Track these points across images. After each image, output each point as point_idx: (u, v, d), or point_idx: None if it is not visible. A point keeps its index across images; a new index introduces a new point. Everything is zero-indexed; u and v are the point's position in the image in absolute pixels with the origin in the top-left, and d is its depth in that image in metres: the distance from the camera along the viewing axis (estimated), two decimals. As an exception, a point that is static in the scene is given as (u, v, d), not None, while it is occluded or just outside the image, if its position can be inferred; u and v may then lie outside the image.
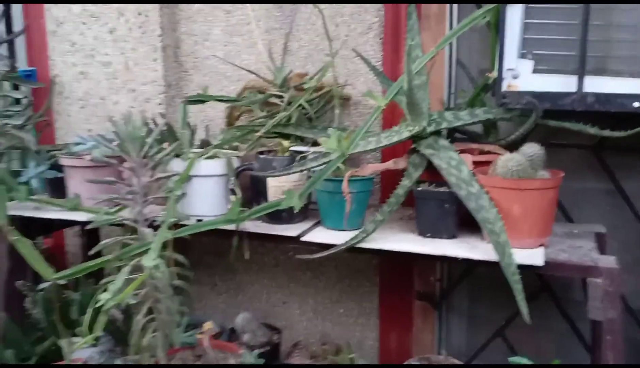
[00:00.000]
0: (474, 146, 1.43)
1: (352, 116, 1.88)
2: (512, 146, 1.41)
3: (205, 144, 1.69)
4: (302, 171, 1.37)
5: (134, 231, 1.50)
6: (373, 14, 1.80)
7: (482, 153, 1.44)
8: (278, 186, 1.46)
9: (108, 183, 1.38)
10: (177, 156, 1.46)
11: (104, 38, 1.98)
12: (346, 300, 2.00)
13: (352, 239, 1.33)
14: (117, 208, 1.49)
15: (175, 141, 1.67)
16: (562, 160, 1.54)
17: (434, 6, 1.75)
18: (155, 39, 1.94)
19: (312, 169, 1.36)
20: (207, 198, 1.49)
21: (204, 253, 2.12)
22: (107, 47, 1.99)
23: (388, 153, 1.67)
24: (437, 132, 1.41)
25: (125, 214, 1.46)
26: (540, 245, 1.29)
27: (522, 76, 1.31)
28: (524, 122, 1.37)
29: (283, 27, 1.90)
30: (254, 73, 1.70)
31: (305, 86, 1.54)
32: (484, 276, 1.79)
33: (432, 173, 1.40)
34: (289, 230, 1.46)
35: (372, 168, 1.41)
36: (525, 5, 1.27)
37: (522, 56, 1.31)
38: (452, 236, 1.35)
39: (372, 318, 1.98)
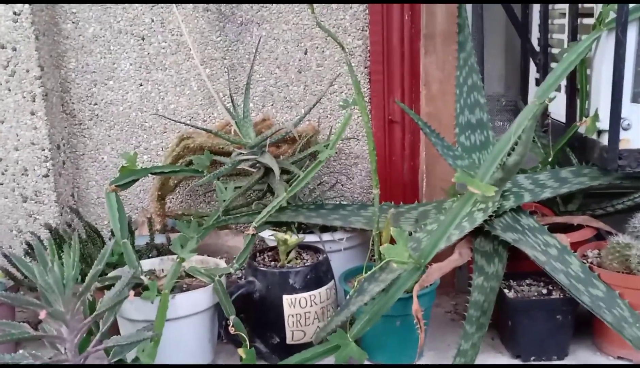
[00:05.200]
0: (559, 219, 1.05)
1: (331, 168, 1.42)
2: (607, 217, 1.06)
3: (152, 249, 1.12)
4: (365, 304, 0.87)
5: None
6: (355, 35, 1.35)
7: (565, 226, 1.06)
8: (299, 314, 0.96)
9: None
10: (138, 293, 0.89)
11: (-55, 86, 1.28)
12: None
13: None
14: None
15: (97, 253, 1.07)
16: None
17: (440, 22, 1.34)
18: (31, 82, 1.29)
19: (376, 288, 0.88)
20: (185, 349, 0.93)
21: None
22: (-48, 99, 1.29)
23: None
24: (514, 209, 1.00)
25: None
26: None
27: (634, 127, 0.95)
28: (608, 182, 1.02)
29: (227, 56, 1.36)
30: (208, 130, 1.16)
31: (321, 157, 1.03)
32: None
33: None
34: (323, 378, 0.96)
35: (438, 270, 0.96)
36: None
37: (634, 99, 0.95)
38: (565, 355, 0.97)
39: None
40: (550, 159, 1.06)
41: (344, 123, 1.03)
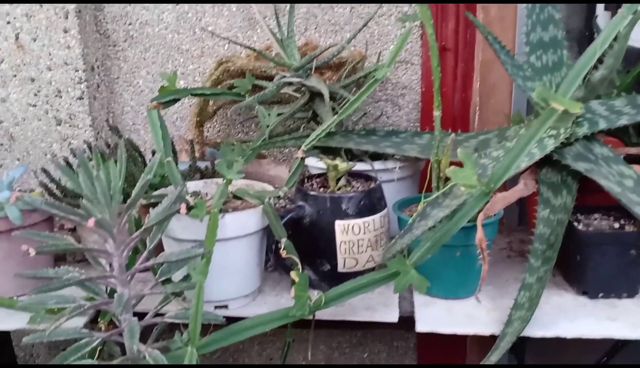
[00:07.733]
0: (633, 150, 0.97)
1: (378, 99, 1.34)
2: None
3: (196, 172, 1.06)
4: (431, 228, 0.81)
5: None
6: (408, -48, 1.25)
7: (638, 158, 0.98)
8: (352, 241, 0.91)
9: (64, 284, 0.73)
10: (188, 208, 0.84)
11: (-25, -2, 1.22)
12: None
13: (509, 326, 0.82)
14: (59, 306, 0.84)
15: (139, 172, 1.03)
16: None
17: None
18: (64, -3, 1.22)
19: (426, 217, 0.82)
20: (233, 271, 0.89)
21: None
22: (-18, 13, 1.23)
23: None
24: (586, 137, 0.93)
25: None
26: None
27: None
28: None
29: (269, -26, 1.27)
30: (252, 48, 1.08)
31: (378, 75, 0.95)
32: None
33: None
34: (376, 306, 0.91)
35: (502, 199, 0.89)
36: None
37: None
38: (635, 293, 0.91)
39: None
40: (626, 84, 0.97)
41: (402, 38, 0.94)
